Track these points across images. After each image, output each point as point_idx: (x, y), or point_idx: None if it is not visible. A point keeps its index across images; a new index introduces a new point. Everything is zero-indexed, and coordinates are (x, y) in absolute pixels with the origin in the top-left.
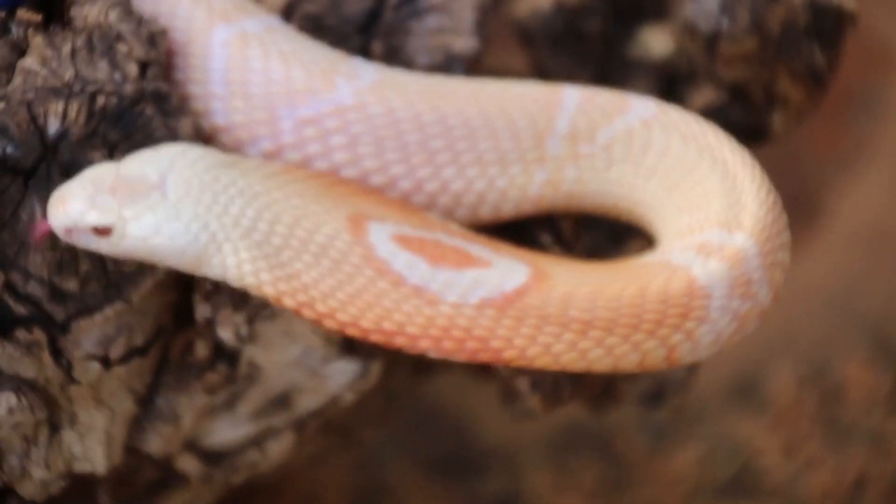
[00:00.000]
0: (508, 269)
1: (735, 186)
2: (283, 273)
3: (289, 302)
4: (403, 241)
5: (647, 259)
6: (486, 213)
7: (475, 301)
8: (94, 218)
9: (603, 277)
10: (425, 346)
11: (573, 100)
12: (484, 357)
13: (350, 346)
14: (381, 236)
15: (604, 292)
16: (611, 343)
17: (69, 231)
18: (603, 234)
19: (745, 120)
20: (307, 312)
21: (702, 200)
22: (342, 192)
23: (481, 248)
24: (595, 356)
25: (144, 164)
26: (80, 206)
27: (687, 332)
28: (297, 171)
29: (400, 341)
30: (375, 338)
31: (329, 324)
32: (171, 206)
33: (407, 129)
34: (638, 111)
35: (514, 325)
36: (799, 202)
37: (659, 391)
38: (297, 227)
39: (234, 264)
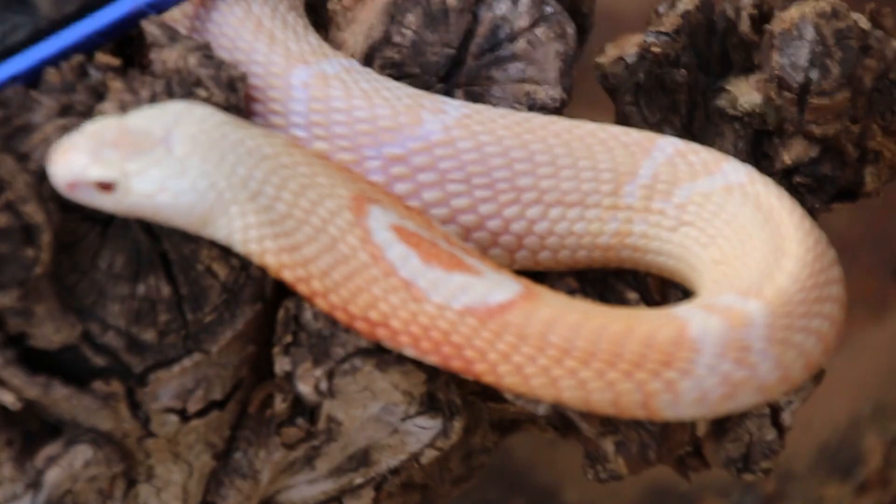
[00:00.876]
0: (498, 282)
1: (778, 261)
2: (287, 243)
3: (287, 275)
4: (401, 233)
5: (655, 310)
6: (564, 256)
7: (458, 306)
8: (97, 172)
9: (594, 311)
10: (404, 341)
11: (665, 150)
12: (455, 365)
13: (432, 403)
14: (381, 222)
15: (588, 324)
16: (584, 376)
17: (72, 186)
18: (689, 292)
19: (835, 175)
20: (303, 288)
21: (740, 271)
22: (350, 175)
23: (478, 261)
24: (566, 386)
25: (149, 118)
26: (82, 159)
27: (667, 382)
28: (306, 147)
29: (382, 333)
30: (360, 325)
31: (320, 303)
32: (176, 161)
33: (495, 166)
34: (727, 175)
35: (490, 339)
36: (889, 262)
37: (747, 454)
38: (302, 196)
39: (240, 227)
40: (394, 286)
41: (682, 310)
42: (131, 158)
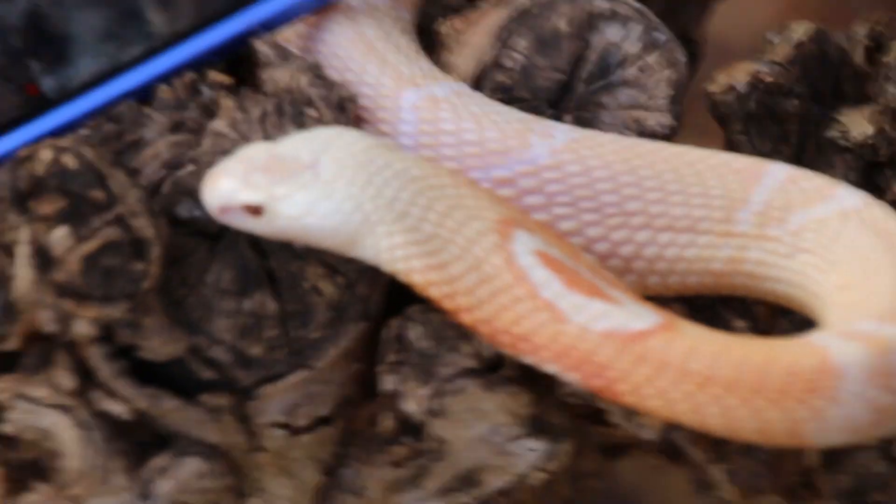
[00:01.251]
0: (638, 312)
1: None
2: (433, 262)
3: (434, 291)
4: (544, 258)
5: (792, 339)
6: (674, 282)
7: (600, 329)
8: (246, 196)
9: (734, 341)
10: (546, 356)
11: (777, 176)
12: (597, 384)
13: (539, 425)
14: (526, 247)
15: (729, 353)
16: (729, 403)
17: (223, 210)
18: (800, 320)
19: None
20: (448, 304)
21: (871, 296)
22: (498, 200)
23: (619, 292)
24: (710, 413)
25: (299, 144)
26: (232, 183)
27: (814, 409)
28: (456, 171)
29: (524, 347)
30: (503, 339)
31: (465, 318)
32: (323, 185)
33: (604, 190)
34: (841, 201)
35: (634, 361)
36: None
37: (861, 486)
38: (449, 217)
39: (386, 247)
40: (537, 306)
41: (818, 338)
42: (279, 183)
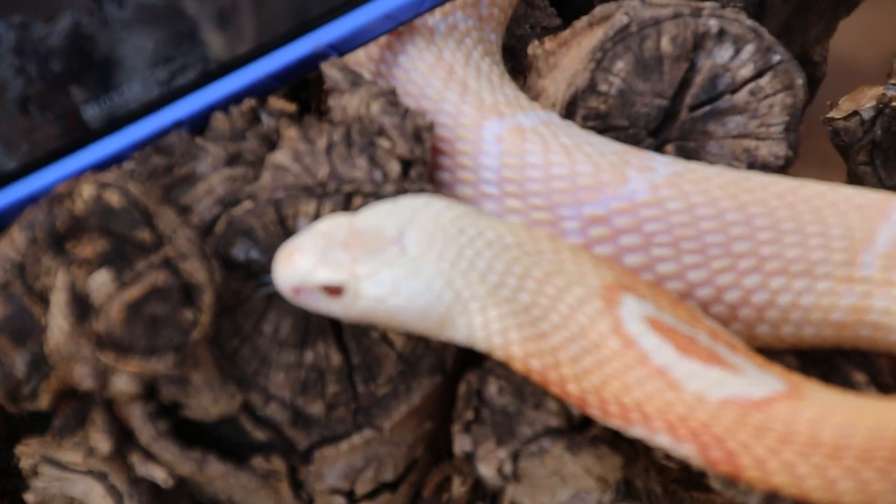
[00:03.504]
0: (760, 379)
1: None
2: (532, 332)
3: (535, 364)
4: (655, 325)
5: None
6: (787, 333)
7: (717, 398)
8: (325, 275)
9: (866, 405)
10: (659, 427)
11: None
12: (715, 456)
13: (629, 491)
14: (634, 313)
15: (863, 421)
16: (866, 477)
17: (297, 291)
18: None
19: None
20: (552, 375)
21: None
22: (606, 263)
23: (741, 357)
24: (845, 489)
25: (382, 216)
26: (309, 261)
27: None
28: (555, 234)
29: (635, 418)
30: (612, 409)
31: (572, 390)
32: (410, 262)
33: (708, 230)
34: None
35: (756, 433)
36: None
37: None
38: (548, 283)
39: (481, 325)
40: (648, 374)
41: None
42: (362, 260)
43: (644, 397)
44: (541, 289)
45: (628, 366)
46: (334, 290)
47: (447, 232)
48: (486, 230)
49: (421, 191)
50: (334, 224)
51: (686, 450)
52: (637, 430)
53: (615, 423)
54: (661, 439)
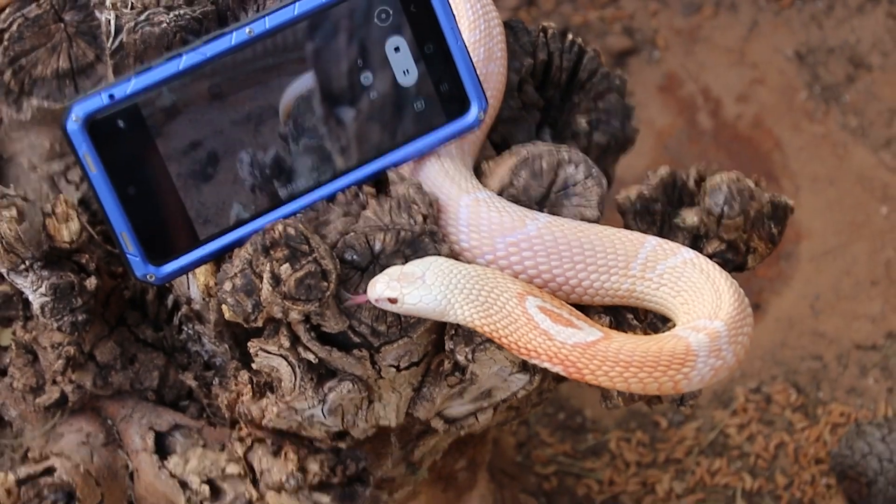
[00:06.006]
0: (590, 331)
1: (720, 296)
2: (485, 315)
3: (483, 330)
4: (542, 310)
5: (667, 333)
6: (598, 300)
7: (571, 343)
8: (388, 293)
9: (639, 341)
10: (543, 359)
11: (651, 243)
12: (572, 372)
13: (524, 366)
14: (532, 304)
15: (638, 348)
16: (641, 375)
17: (377, 301)
18: (657, 316)
19: (734, 260)
20: (494, 335)
21: (701, 304)
22: (521, 284)
23: (579, 321)
24: (631, 381)
25: (415, 265)
26: (381, 288)
27: (684, 374)
28: (500, 271)
29: (532, 355)
30: (522, 350)
31: (500, 343)
32: (427, 287)
33: (562, 250)
34: (683, 255)
35: (588, 359)
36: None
37: (682, 397)
38: (492, 292)
39: (461, 315)
40: (539, 334)
41: (680, 331)
42: (405, 286)
43: (536, 345)
44: (489, 295)
45: (529, 329)
46: (392, 300)
47: (447, 272)
48: (463, 270)
49: (431, 230)
50: (393, 270)
51: (556, 369)
52: (533, 359)
53: (524, 355)
54: (545, 364)
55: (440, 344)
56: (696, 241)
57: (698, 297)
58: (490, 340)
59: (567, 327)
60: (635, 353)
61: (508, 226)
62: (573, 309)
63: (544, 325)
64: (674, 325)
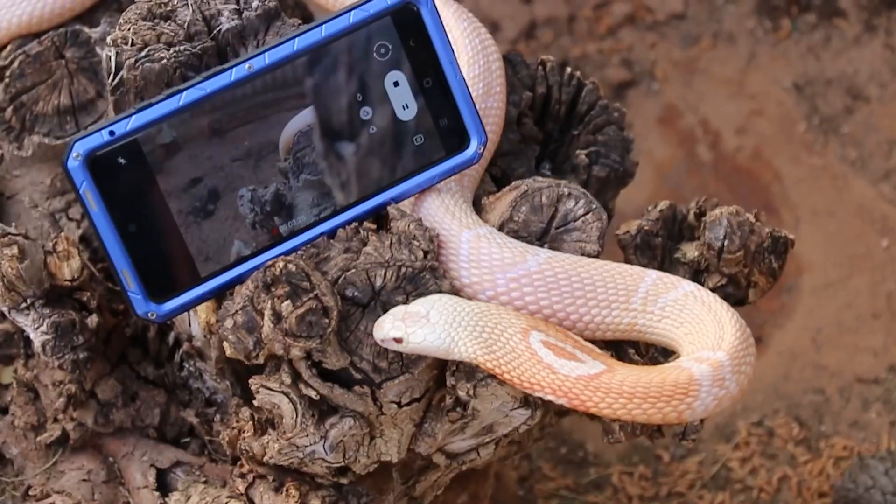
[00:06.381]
0: (593, 364)
1: (722, 327)
2: (488, 352)
3: (487, 367)
4: (546, 344)
5: (671, 364)
6: (599, 335)
7: (575, 376)
8: (394, 333)
9: (642, 372)
10: (547, 392)
11: (651, 277)
12: (576, 404)
13: (525, 401)
14: (536, 339)
15: (641, 379)
16: (644, 406)
17: (382, 341)
18: (658, 350)
19: (735, 294)
20: (496, 371)
21: (703, 335)
22: (524, 316)
23: (583, 353)
24: (635, 412)
25: (419, 304)
26: (387, 328)
27: (688, 403)
28: (500, 306)
29: (536, 389)
30: (525, 386)
31: (504, 378)
32: (432, 325)
33: (563, 286)
34: (684, 288)
35: (592, 391)
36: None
37: (684, 430)
38: (496, 328)
39: (465, 351)
40: (541, 367)
41: (683, 362)
42: (409, 326)
43: (540, 378)
44: (493, 331)
45: (532, 364)
46: (398, 340)
47: (450, 310)
48: (467, 307)
49: (432, 265)
50: (398, 309)
51: (560, 401)
52: (538, 393)
53: (528, 390)
54: (549, 397)
55: (441, 380)
56: (697, 275)
57: (701, 329)
58: (492, 376)
59: (570, 360)
60: (638, 385)
61: (509, 261)
62: (578, 340)
63: (548, 360)
64: (677, 357)
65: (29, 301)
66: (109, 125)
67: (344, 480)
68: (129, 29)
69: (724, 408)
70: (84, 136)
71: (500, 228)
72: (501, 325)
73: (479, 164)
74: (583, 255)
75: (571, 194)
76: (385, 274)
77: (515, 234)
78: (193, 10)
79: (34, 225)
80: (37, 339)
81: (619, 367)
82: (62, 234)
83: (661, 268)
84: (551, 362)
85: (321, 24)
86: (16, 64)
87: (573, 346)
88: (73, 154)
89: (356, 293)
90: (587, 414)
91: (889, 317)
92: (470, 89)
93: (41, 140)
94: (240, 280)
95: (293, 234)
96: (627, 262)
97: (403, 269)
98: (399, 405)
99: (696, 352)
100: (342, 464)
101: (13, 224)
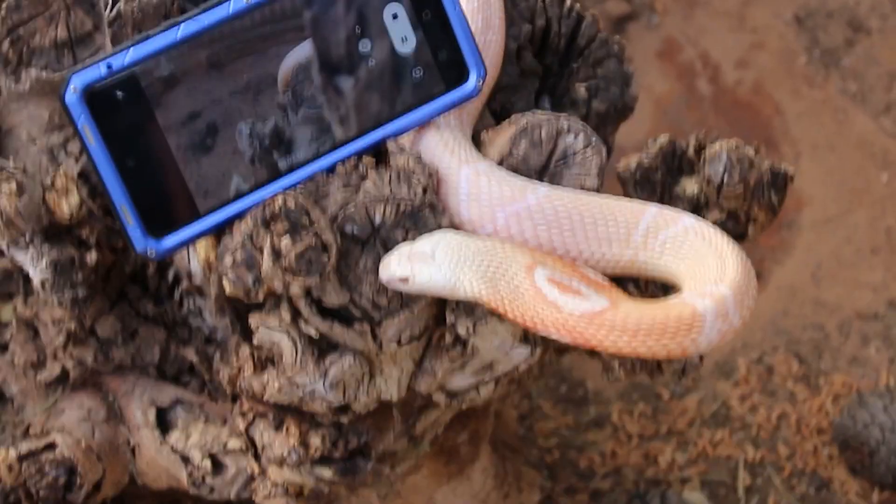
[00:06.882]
0: (597, 300)
1: (724, 261)
2: (492, 289)
3: (491, 305)
4: (550, 280)
5: (674, 298)
6: (601, 268)
7: (579, 313)
8: (400, 273)
9: (645, 308)
10: (552, 330)
11: (651, 211)
12: (580, 341)
13: (525, 338)
14: (541, 275)
15: (645, 315)
16: (649, 342)
17: (388, 281)
18: (658, 286)
19: (735, 229)
20: (499, 309)
21: (705, 270)
22: (530, 251)
23: (588, 288)
24: (639, 349)
25: (424, 243)
26: (393, 266)
27: (692, 339)
28: (507, 241)
29: (540, 327)
30: (529, 323)
31: (507, 317)
32: (437, 265)
33: (563, 221)
34: (685, 222)
35: (597, 328)
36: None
37: (683, 367)
38: (501, 267)
39: (469, 290)
40: (547, 305)
41: (686, 297)
42: (415, 265)
43: (544, 317)
44: (497, 269)
45: (537, 301)
46: (403, 280)
47: (453, 249)
48: (471, 244)
49: (431, 201)
50: (403, 248)
51: (564, 339)
52: (541, 331)
53: (532, 328)
54: (553, 335)
55: (441, 317)
56: (696, 210)
57: (702, 264)
58: (492, 313)
59: (575, 297)
60: (642, 320)
61: (509, 197)
62: (583, 273)
63: (552, 297)
64: (679, 292)
65: (28, 237)
66: (107, 58)
67: (344, 419)
68: None
69: (727, 341)
70: (81, 70)
71: (500, 163)
72: (506, 263)
73: (478, 99)
74: (582, 189)
75: (571, 128)
76: (384, 210)
77: (515, 169)
78: None
79: (32, 160)
80: (36, 276)
81: (623, 303)
82: (60, 169)
83: (661, 203)
84: (555, 299)
85: None
86: None
87: (579, 279)
88: (71, 88)
89: (355, 229)
90: (588, 350)
91: (888, 252)
92: (469, 22)
93: (38, 74)
94: (239, 216)
95: (292, 168)
96: (627, 196)
97: (403, 206)
98: (399, 343)
99: (699, 286)
100: (342, 402)
101: (11, 159)
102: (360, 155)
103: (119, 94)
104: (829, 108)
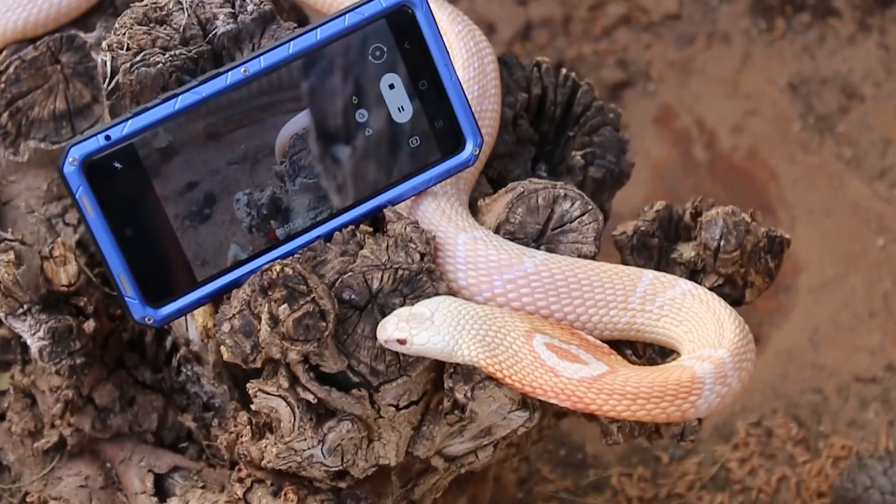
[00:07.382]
0: (596, 365)
1: (722, 325)
2: (491, 355)
3: (489, 370)
4: (549, 346)
5: (673, 363)
6: (597, 334)
7: (578, 378)
8: (397, 335)
9: (644, 372)
10: (550, 395)
11: (648, 277)
12: (580, 406)
13: (523, 403)
14: (540, 342)
15: (644, 379)
16: (648, 406)
17: (386, 342)
18: (655, 351)
19: (732, 294)
20: (498, 374)
21: (703, 333)
22: (528, 317)
23: (587, 354)
24: (639, 413)
25: (424, 306)
26: (391, 329)
27: (691, 402)
28: (505, 308)
29: (539, 392)
30: (527, 390)
31: (506, 381)
32: (436, 328)
33: (560, 287)
34: (682, 287)
35: (596, 393)
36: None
37: (682, 431)
38: (500, 332)
39: (468, 354)
40: (545, 371)
41: (685, 361)
42: (413, 327)
43: (543, 381)
44: (496, 335)
45: (535, 367)
46: (401, 341)
47: (452, 313)
48: (470, 310)
49: (429, 267)
50: (401, 311)
51: (564, 404)
52: (540, 397)
53: (530, 394)
54: (552, 400)
55: (439, 382)
56: (693, 275)
57: (700, 327)
58: (490, 378)
59: (574, 363)
60: (642, 385)
61: (506, 263)
62: (584, 338)
63: (550, 363)
64: (677, 356)
65: (26, 307)
66: (105, 130)
67: (342, 484)
68: (124, 33)
69: (726, 405)
70: (80, 141)
71: (497, 230)
72: (505, 329)
73: (474, 167)
74: (579, 256)
75: (567, 195)
76: (382, 276)
77: (512, 236)
78: (189, 15)
79: (31, 230)
80: (34, 344)
81: (622, 368)
82: (59, 239)
83: (658, 268)
84: (554, 365)
85: (316, 28)
86: (11, 69)
87: (577, 345)
88: (69, 159)
89: (353, 296)
90: (587, 415)
91: (885, 315)
92: (465, 91)
93: (37, 145)
94: (237, 284)
95: (290, 237)
96: (624, 262)
97: (400, 272)
98: (397, 408)
99: (697, 350)
100: (340, 467)
101: (9, 230)
102: (357, 223)
103: (117, 164)
104: (824, 174)
